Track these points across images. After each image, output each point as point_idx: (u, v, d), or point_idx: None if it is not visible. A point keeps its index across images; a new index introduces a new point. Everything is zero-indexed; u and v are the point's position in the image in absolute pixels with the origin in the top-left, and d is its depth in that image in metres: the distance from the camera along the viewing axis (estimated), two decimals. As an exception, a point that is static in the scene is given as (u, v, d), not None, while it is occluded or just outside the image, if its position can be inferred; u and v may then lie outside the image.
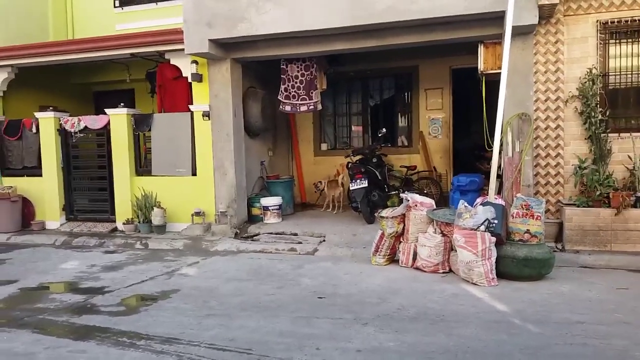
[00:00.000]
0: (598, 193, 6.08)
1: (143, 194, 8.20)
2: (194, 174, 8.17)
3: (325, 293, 4.97)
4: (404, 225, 5.83)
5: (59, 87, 10.47)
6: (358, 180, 7.69)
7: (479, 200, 5.65)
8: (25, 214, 8.94)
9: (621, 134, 6.34)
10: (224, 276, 5.75)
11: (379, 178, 8.25)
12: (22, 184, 8.99)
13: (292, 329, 4.09)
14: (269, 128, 9.08)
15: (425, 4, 6.34)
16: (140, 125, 8.48)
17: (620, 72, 6.39)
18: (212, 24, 7.20)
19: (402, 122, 10.25)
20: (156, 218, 7.99)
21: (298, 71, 8.35)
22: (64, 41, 9.88)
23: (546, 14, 6.26)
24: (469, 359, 3.38)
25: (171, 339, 3.98)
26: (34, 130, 8.92)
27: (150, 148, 8.59)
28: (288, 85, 8.41)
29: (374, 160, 8.48)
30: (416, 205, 5.74)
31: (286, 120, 10.35)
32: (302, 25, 6.87)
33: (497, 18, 6.31)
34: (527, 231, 5.12)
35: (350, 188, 7.96)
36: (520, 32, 6.28)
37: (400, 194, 6.98)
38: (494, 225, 5.06)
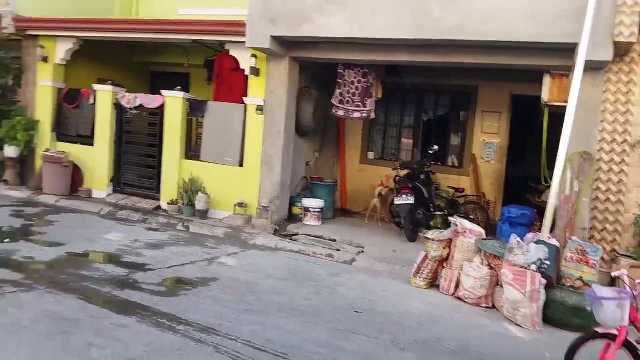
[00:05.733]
0: (658, 248, 5.81)
1: (190, 177, 8.31)
2: (241, 165, 8.22)
3: (362, 308, 4.91)
4: (450, 250, 5.68)
5: (119, 63, 10.68)
6: (404, 196, 7.54)
7: (529, 236, 5.46)
8: (75, 180, 9.16)
9: (689, 190, 6.04)
10: (263, 272, 5.76)
11: (426, 196, 8.02)
12: (75, 151, 9.23)
13: (329, 340, 4.06)
14: (318, 130, 9.06)
15: (495, 26, 6.15)
16: (195, 111, 8.59)
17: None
18: (275, 21, 7.21)
19: (454, 141, 10.02)
20: (200, 203, 8.08)
21: (355, 77, 8.29)
22: (130, 20, 10.13)
23: (621, 52, 6.00)
24: (512, 404, 3.27)
25: (209, 329, 4.01)
26: (91, 101, 9.11)
27: (201, 134, 8.69)
28: (343, 91, 8.36)
29: (422, 177, 8.25)
30: (465, 232, 5.59)
31: (336, 124, 10.29)
32: (366, 32, 6.80)
33: (568, 50, 6.07)
34: (580, 278, 4.91)
35: (395, 202, 7.79)
36: (592, 67, 6.01)
37: (448, 217, 6.81)
38: (546, 266, 4.87)
